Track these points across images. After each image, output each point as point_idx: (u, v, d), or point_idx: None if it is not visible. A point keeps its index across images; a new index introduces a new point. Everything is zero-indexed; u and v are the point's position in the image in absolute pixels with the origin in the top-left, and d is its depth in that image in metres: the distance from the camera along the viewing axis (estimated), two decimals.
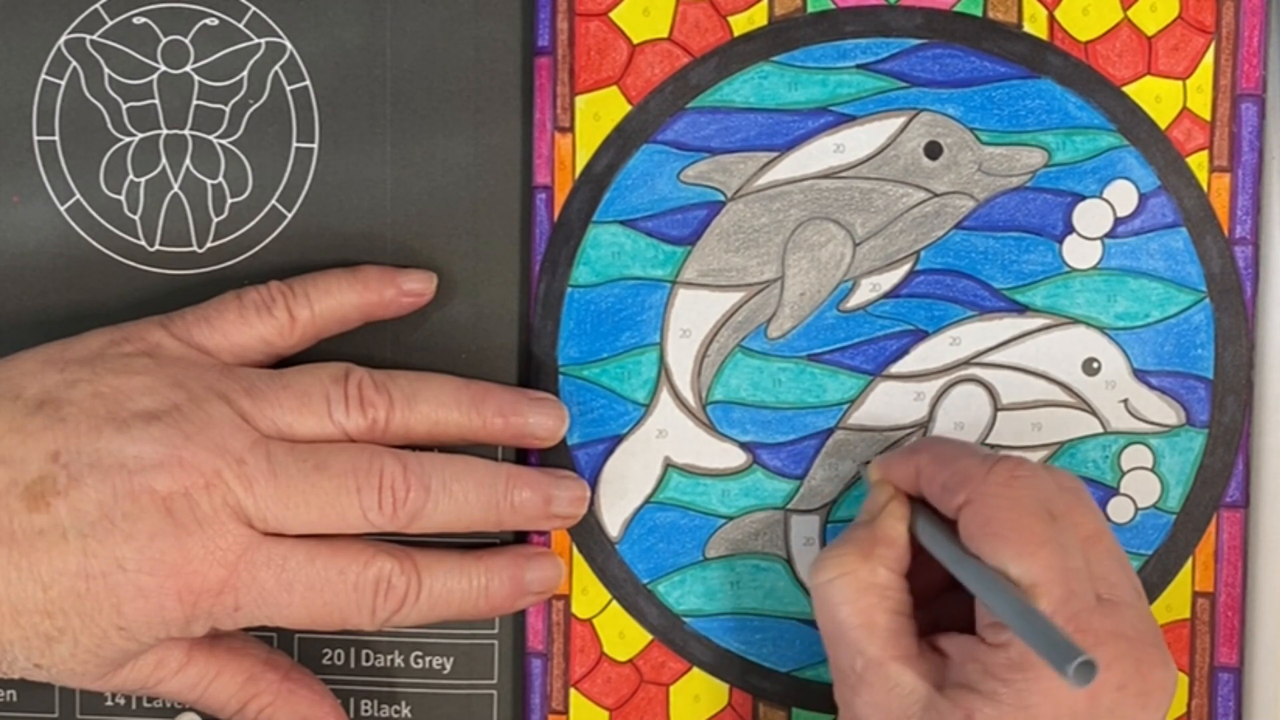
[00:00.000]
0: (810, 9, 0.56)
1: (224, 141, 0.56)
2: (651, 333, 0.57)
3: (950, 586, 0.51)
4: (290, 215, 0.56)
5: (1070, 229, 0.56)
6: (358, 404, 0.52)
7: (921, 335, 0.57)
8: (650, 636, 0.57)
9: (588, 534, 0.57)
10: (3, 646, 0.49)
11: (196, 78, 0.56)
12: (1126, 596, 0.49)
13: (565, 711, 0.57)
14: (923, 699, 0.49)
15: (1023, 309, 0.56)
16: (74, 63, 0.55)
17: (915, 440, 0.56)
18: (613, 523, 0.57)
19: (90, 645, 0.49)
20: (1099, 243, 0.56)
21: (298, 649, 0.56)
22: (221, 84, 0.56)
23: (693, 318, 0.57)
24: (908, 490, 0.52)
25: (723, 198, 0.57)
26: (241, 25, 0.55)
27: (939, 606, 0.52)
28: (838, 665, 0.51)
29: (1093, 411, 0.56)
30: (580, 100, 0.57)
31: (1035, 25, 0.56)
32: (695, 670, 0.58)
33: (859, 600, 0.50)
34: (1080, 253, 0.56)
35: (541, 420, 0.55)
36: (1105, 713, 0.47)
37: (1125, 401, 0.56)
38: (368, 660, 0.56)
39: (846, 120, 0.56)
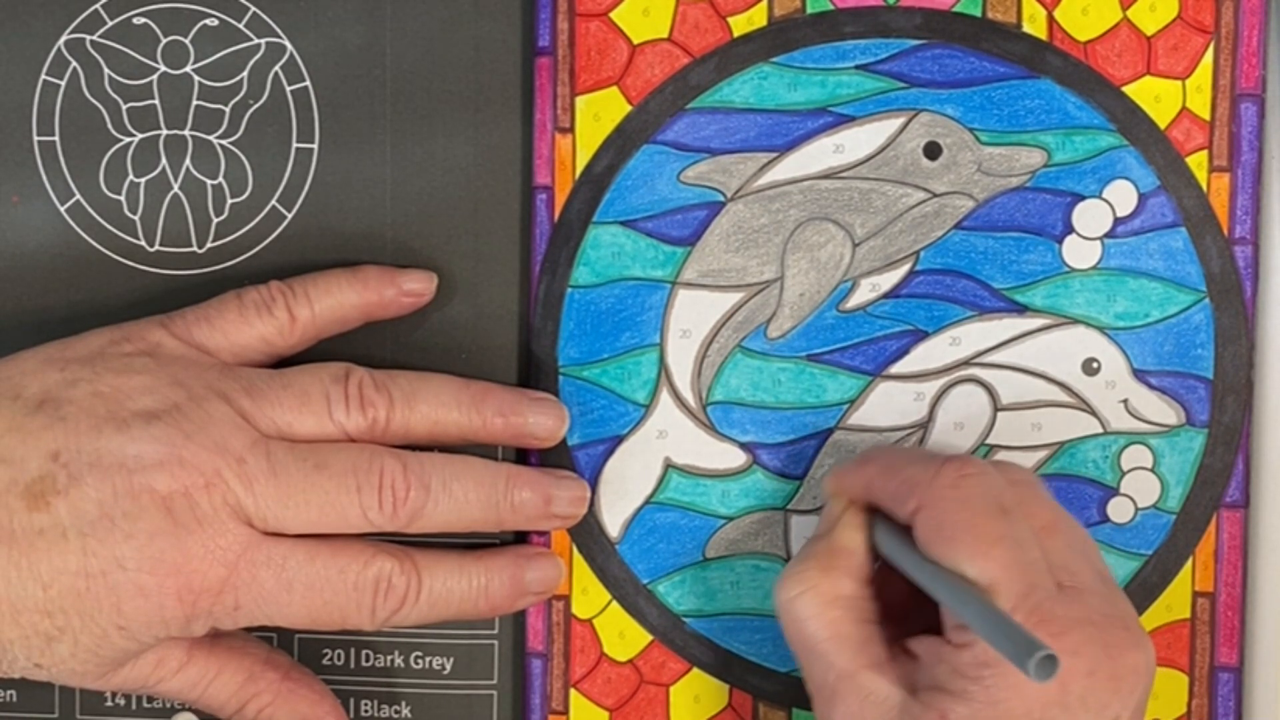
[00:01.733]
0: (809, 10, 0.56)
1: (224, 142, 0.56)
2: (651, 333, 0.57)
3: (921, 593, 0.51)
4: (290, 215, 0.56)
5: (1070, 229, 0.56)
6: (358, 403, 0.52)
7: (921, 335, 0.57)
8: (650, 637, 0.57)
9: (588, 534, 0.57)
10: (3, 646, 0.49)
11: (196, 78, 0.56)
12: (1089, 582, 0.49)
13: (565, 712, 0.57)
14: (897, 704, 0.49)
15: (1022, 309, 0.56)
16: (74, 63, 0.55)
17: (864, 450, 0.56)
18: (613, 523, 0.57)
19: (90, 644, 0.49)
20: (1098, 243, 0.56)
21: (297, 649, 0.56)
22: (221, 84, 0.56)
23: (693, 318, 0.57)
24: (861, 501, 0.53)
25: (722, 198, 0.57)
26: (241, 25, 0.55)
27: (914, 614, 0.52)
28: (811, 680, 0.51)
29: (1092, 411, 0.56)
30: (580, 100, 0.57)
31: (1034, 25, 0.56)
32: (695, 670, 0.58)
33: (825, 613, 0.50)
34: (1080, 253, 0.56)
35: (541, 420, 0.55)
36: (1077, 701, 0.47)
37: (1125, 401, 0.56)
38: (368, 660, 0.56)
39: (846, 121, 0.56)
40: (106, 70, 0.55)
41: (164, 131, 0.56)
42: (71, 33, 0.55)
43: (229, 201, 0.56)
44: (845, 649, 0.50)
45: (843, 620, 0.50)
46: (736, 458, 0.57)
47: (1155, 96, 0.56)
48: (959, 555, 0.48)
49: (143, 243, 0.56)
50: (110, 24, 0.55)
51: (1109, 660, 0.47)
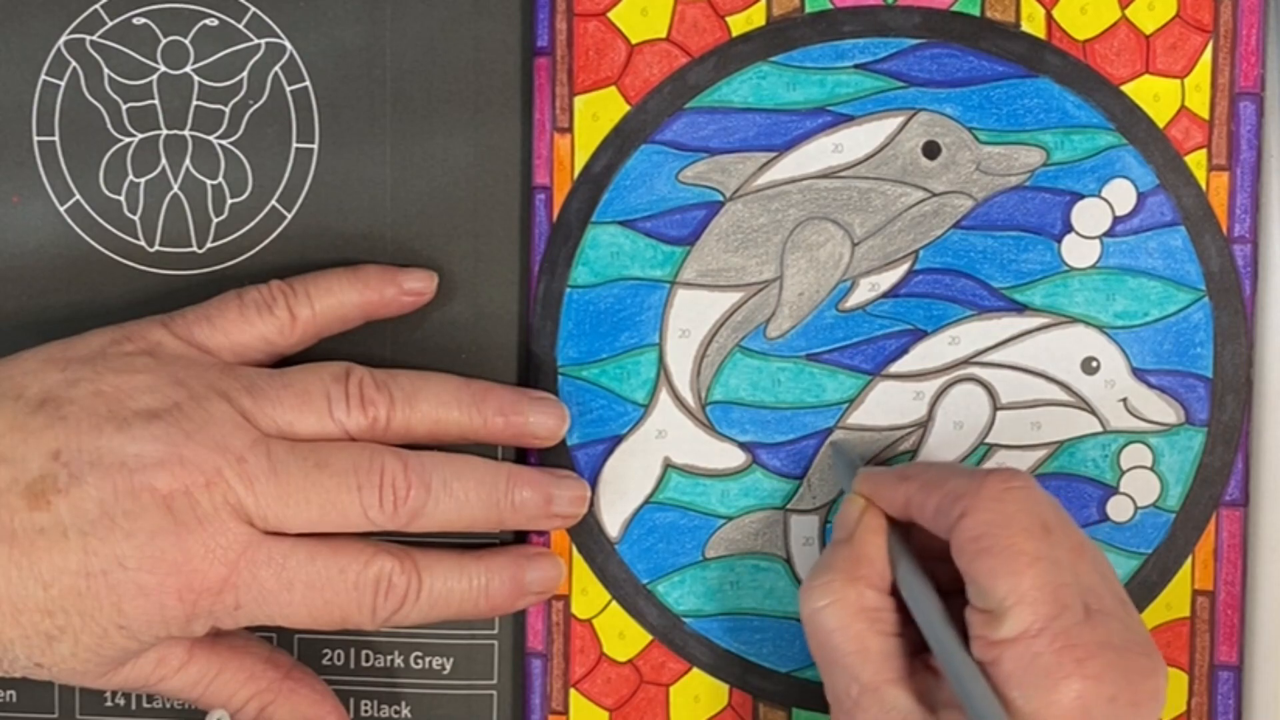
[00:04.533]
0: (808, 9, 0.56)
1: (224, 142, 0.56)
2: (650, 333, 0.57)
3: (945, 598, 0.51)
4: (290, 215, 0.56)
5: (1069, 228, 0.56)
6: (358, 402, 0.52)
7: (920, 335, 0.57)
8: (650, 637, 0.57)
9: (587, 534, 0.57)
10: (3, 645, 0.49)
11: (196, 78, 0.56)
12: (1111, 606, 0.48)
13: (565, 712, 0.57)
14: None
15: (1021, 308, 0.56)
16: (74, 63, 0.55)
17: (903, 466, 0.56)
18: (612, 523, 0.57)
19: (91, 644, 0.49)
20: (1097, 242, 0.56)
21: (297, 649, 0.56)
22: (221, 84, 0.56)
23: (692, 318, 0.57)
24: (895, 516, 0.52)
25: (721, 198, 0.57)
26: (241, 26, 0.55)
27: None
28: (833, 691, 0.51)
29: (1092, 410, 0.56)
30: (579, 100, 0.57)
31: (1033, 24, 0.56)
32: (695, 671, 0.58)
33: (850, 626, 0.50)
34: (1079, 252, 0.56)
35: (542, 419, 0.55)
36: None
37: (1124, 400, 0.56)
38: (368, 660, 0.56)
39: (845, 120, 0.56)
40: (106, 70, 0.55)
41: (164, 131, 0.56)
42: (71, 33, 0.55)
43: (229, 201, 0.56)
44: (869, 662, 0.49)
45: (867, 633, 0.50)
46: (736, 457, 0.57)
47: (1154, 95, 0.56)
48: (995, 568, 0.47)
49: (142, 243, 0.56)
50: (110, 24, 0.55)
51: (1130, 686, 0.47)
